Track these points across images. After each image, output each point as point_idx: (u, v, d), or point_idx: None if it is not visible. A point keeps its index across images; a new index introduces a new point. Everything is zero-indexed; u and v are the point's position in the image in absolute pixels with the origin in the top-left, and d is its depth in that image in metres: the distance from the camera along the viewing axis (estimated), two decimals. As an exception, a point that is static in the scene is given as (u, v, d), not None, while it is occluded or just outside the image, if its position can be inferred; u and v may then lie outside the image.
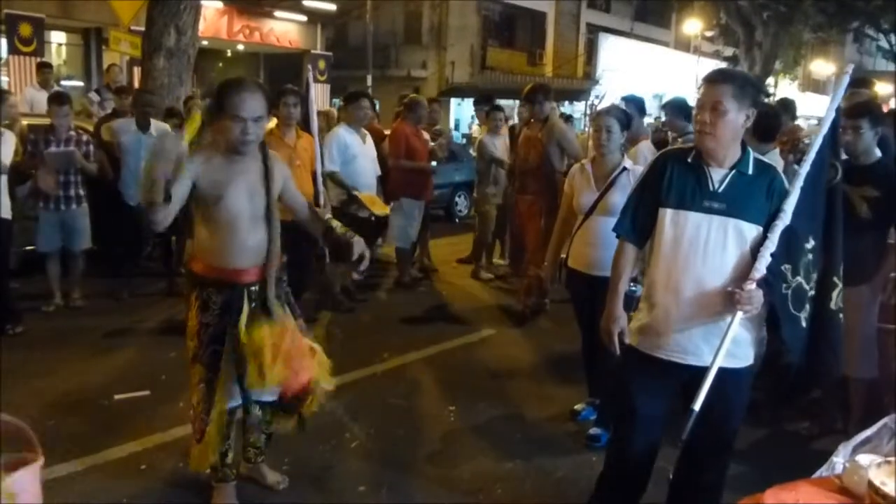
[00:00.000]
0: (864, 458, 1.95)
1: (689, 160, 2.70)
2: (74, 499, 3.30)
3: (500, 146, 7.70)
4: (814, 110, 23.05)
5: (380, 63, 23.33)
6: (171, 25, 8.60)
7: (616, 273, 2.88)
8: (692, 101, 7.48)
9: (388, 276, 7.72)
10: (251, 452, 3.41)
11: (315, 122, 5.54)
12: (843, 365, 3.09)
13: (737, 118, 2.59)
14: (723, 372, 2.60)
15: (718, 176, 2.65)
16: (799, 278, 2.63)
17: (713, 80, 2.63)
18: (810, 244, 2.65)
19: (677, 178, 2.69)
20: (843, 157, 3.88)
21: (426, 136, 7.69)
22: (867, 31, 27.75)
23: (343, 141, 6.12)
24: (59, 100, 5.98)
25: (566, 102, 23.14)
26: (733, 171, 2.64)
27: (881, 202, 3.71)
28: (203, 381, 3.02)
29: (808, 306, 2.69)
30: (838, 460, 2.08)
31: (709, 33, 30.07)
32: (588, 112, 15.90)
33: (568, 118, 12.09)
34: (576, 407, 4.38)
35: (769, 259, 2.55)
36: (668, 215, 2.69)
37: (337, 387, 4.57)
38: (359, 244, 3.15)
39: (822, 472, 2.10)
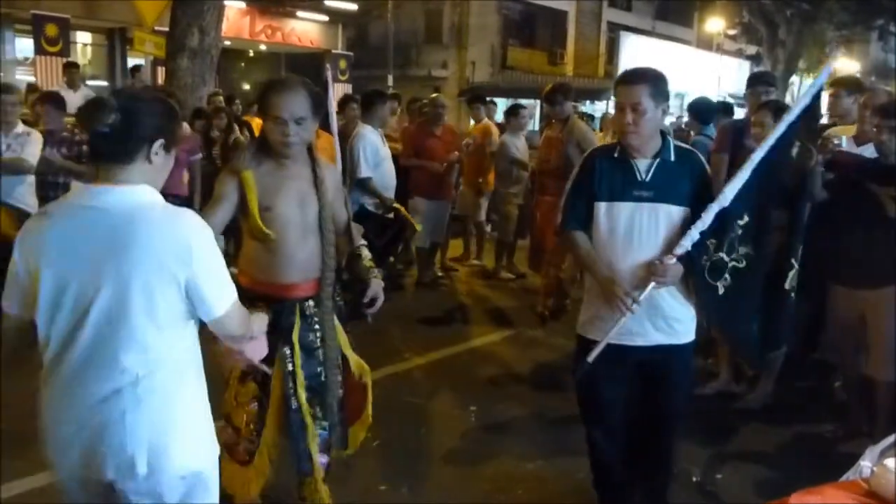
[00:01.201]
0: (892, 462, 1.92)
1: (616, 155, 2.93)
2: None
3: (521, 147, 7.65)
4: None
5: (400, 63, 23.34)
6: (195, 26, 8.66)
7: (589, 256, 2.96)
8: (715, 101, 7.45)
9: (409, 276, 7.73)
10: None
11: (334, 122, 5.54)
12: (791, 338, 3.30)
13: (655, 114, 2.82)
14: (664, 349, 2.89)
15: (644, 166, 2.86)
16: (721, 253, 2.84)
17: (630, 81, 2.84)
18: (743, 220, 2.85)
19: (606, 172, 2.91)
20: (874, 155, 3.85)
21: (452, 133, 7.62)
22: (892, 29, 27.39)
23: (373, 143, 6.05)
24: (53, 102, 5.91)
25: (587, 102, 23.06)
26: (657, 160, 2.86)
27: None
28: (255, 400, 2.84)
29: (727, 276, 2.86)
30: (865, 464, 2.05)
31: (731, 32, 29.83)
32: (607, 113, 15.65)
33: (587, 117, 12.01)
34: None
35: (697, 237, 2.76)
36: (602, 208, 2.90)
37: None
38: (375, 287, 2.95)
39: (849, 475, 2.07)
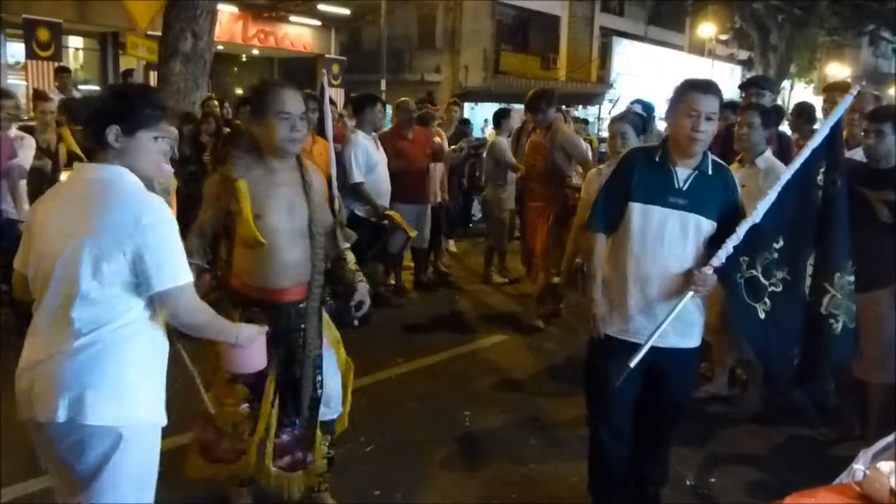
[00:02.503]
0: (885, 465, 1.93)
1: (657, 159, 2.97)
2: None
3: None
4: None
5: (393, 67, 23.36)
6: (188, 30, 8.63)
7: (594, 264, 3.11)
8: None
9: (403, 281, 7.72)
10: (315, 480, 3.20)
11: (330, 127, 5.52)
12: (835, 368, 3.25)
13: (716, 127, 2.91)
14: (678, 351, 2.97)
15: (683, 175, 2.92)
16: (754, 271, 2.88)
17: (709, 91, 2.87)
18: (779, 244, 2.89)
19: (646, 175, 2.96)
20: (864, 160, 3.88)
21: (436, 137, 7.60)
22: (883, 34, 27.57)
23: (365, 149, 6.02)
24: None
25: (580, 107, 23.14)
26: (696, 172, 2.92)
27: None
28: (246, 402, 2.90)
29: (767, 300, 2.90)
30: (858, 467, 2.06)
31: (723, 37, 29.94)
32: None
33: (581, 122, 11.99)
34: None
35: (731, 251, 2.82)
36: (636, 209, 2.94)
37: (352, 391, 4.57)
38: (362, 292, 3.01)
39: (843, 478, 2.08)
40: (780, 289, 2.91)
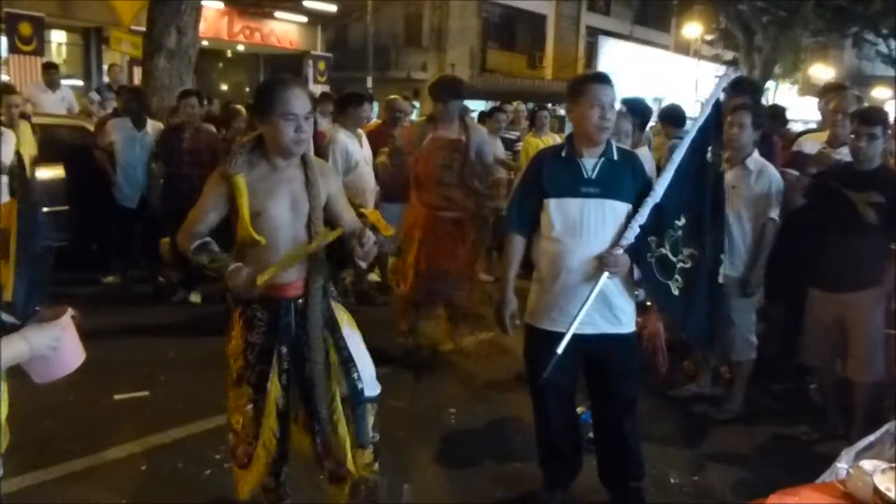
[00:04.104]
0: (867, 464, 1.94)
1: (563, 154, 3.10)
2: (73, 499, 3.28)
3: (500, 149, 7.64)
4: (813, 115, 23.01)
5: (380, 65, 23.31)
6: (172, 26, 8.58)
7: (508, 263, 3.24)
8: (687, 107, 7.50)
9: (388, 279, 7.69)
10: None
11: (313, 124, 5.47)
12: (725, 331, 3.72)
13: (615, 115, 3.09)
14: (609, 338, 3.06)
15: (590, 164, 3.04)
16: (663, 250, 3.02)
17: (608, 81, 3.03)
18: (681, 221, 3.02)
19: (555, 171, 3.08)
20: (846, 160, 3.91)
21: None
22: (866, 36, 27.76)
23: (345, 148, 5.97)
24: None
25: (565, 105, 23.15)
26: (602, 159, 3.04)
27: (886, 207, 3.69)
28: (250, 402, 2.84)
29: (678, 277, 3.05)
30: (842, 466, 2.07)
31: (708, 37, 30.08)
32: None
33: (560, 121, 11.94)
34: (577, 410, 4.36)
35: (637, 230, 2.95)
36: (552, 204, 3.05)
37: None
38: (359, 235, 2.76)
39: (826, 477, 2.09)
40: (689, 265, 3.05)
